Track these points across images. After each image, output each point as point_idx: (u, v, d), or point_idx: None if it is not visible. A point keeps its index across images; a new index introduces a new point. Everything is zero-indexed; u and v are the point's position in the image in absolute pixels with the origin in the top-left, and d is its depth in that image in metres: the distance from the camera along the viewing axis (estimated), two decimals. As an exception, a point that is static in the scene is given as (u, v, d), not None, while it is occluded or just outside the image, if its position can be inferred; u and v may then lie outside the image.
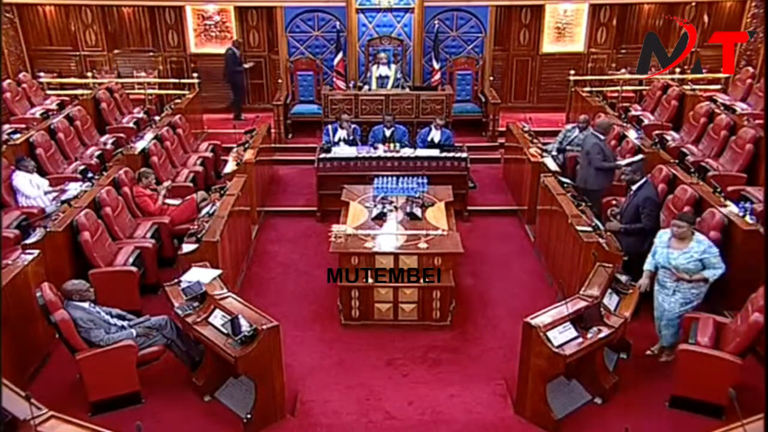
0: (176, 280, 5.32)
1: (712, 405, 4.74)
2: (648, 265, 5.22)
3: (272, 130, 10.14)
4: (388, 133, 8.77)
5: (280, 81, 11.36)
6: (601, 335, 4.78)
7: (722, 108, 9.06)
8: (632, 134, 8.47)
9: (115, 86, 10.84)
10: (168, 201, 7.46)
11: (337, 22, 10.87)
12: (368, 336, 5.95)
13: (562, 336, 4.70)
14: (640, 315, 5.51)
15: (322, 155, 8.28)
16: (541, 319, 4.73)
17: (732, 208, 6.17)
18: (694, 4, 11.89)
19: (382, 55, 10.28)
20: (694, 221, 5.08)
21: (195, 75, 11.52)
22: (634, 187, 5.97)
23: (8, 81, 10.14)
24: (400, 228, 6.38)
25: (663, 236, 5.14)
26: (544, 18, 11.84)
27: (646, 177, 6.12)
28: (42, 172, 7.69)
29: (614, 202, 6.99)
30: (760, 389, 4.36)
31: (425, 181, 7.02)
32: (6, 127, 8.25)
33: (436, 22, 10.85)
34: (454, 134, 9.28)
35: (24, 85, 10.40)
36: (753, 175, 7.59)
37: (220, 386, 5.12)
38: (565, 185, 7.05)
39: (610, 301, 5.13)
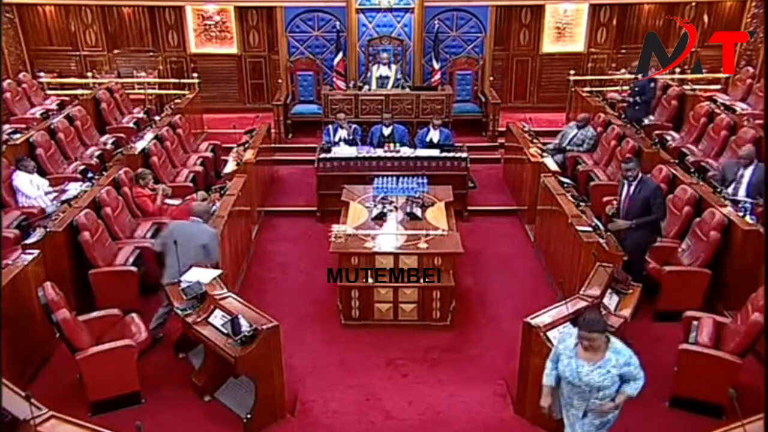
0: (176, 280, 5.32)
1: (712, 405, 4.74)
2: (547, 379, 3.98)
3: (272, 130, 10.14)
4: (386, 131, 8.77)
5: (280, 81, 11.37)
6: (601, 335, 4.78)
7: (722, 108, 9.06)
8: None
9: (115, 86, 10.84)
10: (168, 201, 7.46)
11: (337, 22, 10.86)
12: (368, 336, 5.95)
13: (562, 336, 4.69)
14: (640, 315, 5.52)
15: (322, 155, 8.28)
16: (541, 319, 4.73)
17: (732, 208, 6.17)
18: (694, 4, 11.89)
19: (384, 55, 10.28)
20: (606, 328, 3.81)
21: (195, 75, 11.53)
22: (633, 183, 5.96)
23: (8, 81, 10.14)
24: (400, 228, 6.38)
25: (567, 340, 3.88)
26: (544, 18, 11.85)
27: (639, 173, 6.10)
28: (42, 172, 7.69)
29: (614, 202, 6.98)
30: (760, 389, 4.36)
31: (425, 181, 7.00)
32: (6, 127, 8.25)
33: (436, 22, 10.85)
34: (454, 134, 9.29)
35: (24, 85, 10.40)
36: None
37: (220, 386, 5.12)
38: (565, 185, 7.05)
39: (610, 301, 5.13)
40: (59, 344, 5.18)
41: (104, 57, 12.16)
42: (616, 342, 3.78)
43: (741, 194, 6.76)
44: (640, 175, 5.99)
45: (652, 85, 9.32)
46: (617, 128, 8.65)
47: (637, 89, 9.38)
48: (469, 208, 8.38)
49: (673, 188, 6.85)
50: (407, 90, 10.18)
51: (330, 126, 9.04)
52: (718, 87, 11.19)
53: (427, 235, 6.15)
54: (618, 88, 11.29)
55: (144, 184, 7.37)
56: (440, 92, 10.14)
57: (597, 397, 3.77)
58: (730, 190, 6.82)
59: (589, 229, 5.89)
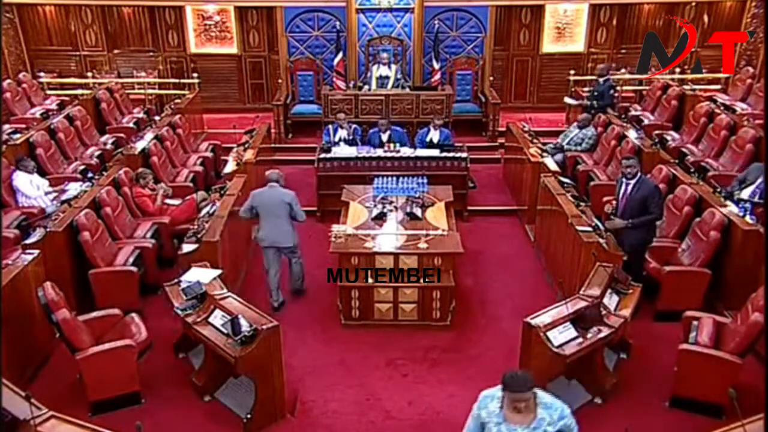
0: (176, 280, 5.32)
1: (712, 405, 4.74)
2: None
3: (272, 130, 10.15)
4: (384, 137, 8.69)
5: (280, 81, 11.37)
6: (601, 335, 4.78)
7: (722, 108, 9.07)
8: (632, 134, 8.47)
9: (115, 86, 10.84)
10: (168, 201, 7.46)
11: (337, 22, 10.86)
12: (368, 336, 5.95)
13: (562, 336, 4.69)
14: (640, 315, 5.52)
15: (322, 155, 8.28)
16: (541, 319, 4.73)
17: (732, 208, 6.18)
18: (694, 4, 11.90)
19: (384, 55, 10.28)
20: (534, 383, 3.26)
21: (195, 75, 11.54)
22: (632, 182, 5.96)
23: (8, 81, 10.15)
24: (400, 228, 6.37)
25: (489, 404, 3.36)
26: (544, 18, 11.85)
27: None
28: (42, 172, 7.69)
29: (614, 201, 6.98)
30: (760, 389, 4.36)
31: (425, 181, 7.01)
32: (6, 127, 8.25)
33: (436, 22, 10.85)
34: (454, 134, 9.28)
35: (24, 85, 10.41)
36: (753, 175, 7.58)
37: (220, 386, 5.12)
38: (565, 185, 7.05)
39: (610, 301, 5.13)
40: (59, 344, 5.17)
41: (104, 57, 12.17)
42: (542, 395, 3.36)
43: (757, 197, 6.71)
44: (639, 174, 5.99)
45: (612, 92, 9.38)
46: (617, 128, 8.65)
47: (596, 93, 9.49)
48: (469, 208, 8.38)
49: (673, 188, 6.85)
50: (407, 90, 10.18)
51: (330, 126, 9.03)
52: (718, 87, 11.19)
53: (427, 235, 6.15)
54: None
55: (144, 184, 7.37)
56: (440, 92, 10.14)
57: None
58: (747, 191, 6.77)
59: (589, 229, 5.89)
